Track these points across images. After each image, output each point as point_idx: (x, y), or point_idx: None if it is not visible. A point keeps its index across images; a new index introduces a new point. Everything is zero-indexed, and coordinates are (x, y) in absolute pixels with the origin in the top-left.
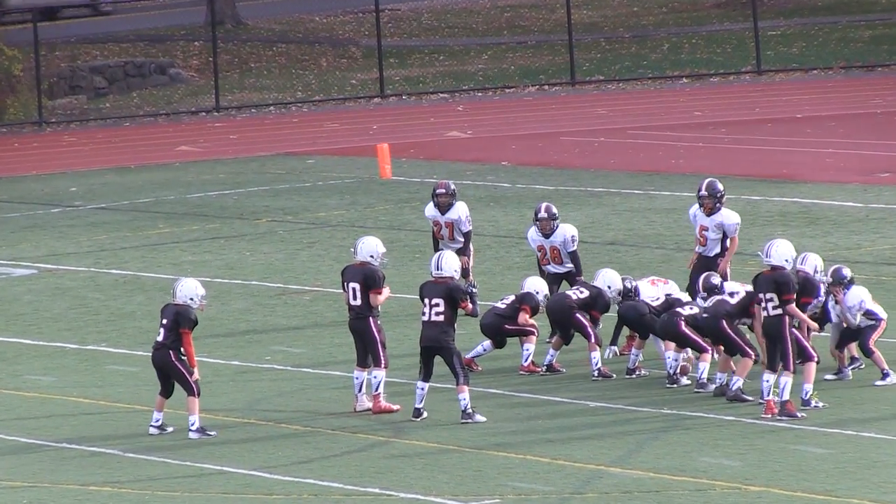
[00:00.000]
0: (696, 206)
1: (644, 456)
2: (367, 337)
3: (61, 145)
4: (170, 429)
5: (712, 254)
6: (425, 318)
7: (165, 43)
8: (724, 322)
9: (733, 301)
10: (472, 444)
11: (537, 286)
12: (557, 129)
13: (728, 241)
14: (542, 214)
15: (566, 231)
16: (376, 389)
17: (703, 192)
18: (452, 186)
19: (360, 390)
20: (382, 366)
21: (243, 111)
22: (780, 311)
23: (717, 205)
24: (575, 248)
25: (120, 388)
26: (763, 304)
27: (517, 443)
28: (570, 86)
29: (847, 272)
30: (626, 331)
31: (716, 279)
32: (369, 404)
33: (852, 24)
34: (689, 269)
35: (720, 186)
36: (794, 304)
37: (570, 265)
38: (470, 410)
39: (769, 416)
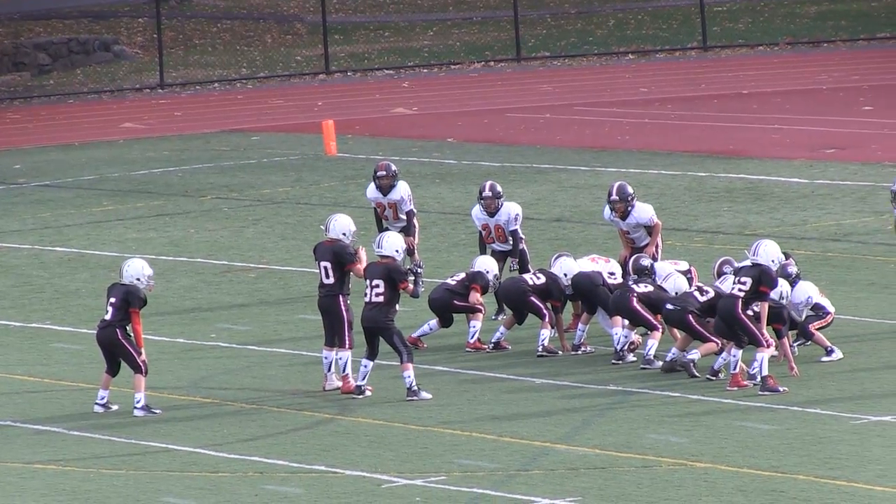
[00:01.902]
0: (609, 208)
1: (590, 433)
2: (335, 316)
3: (4, 122)
4: (114, 406)
5: (643, 245)
6: (366, 298)
7: (109, 20)
8: (691, 316)
9: (702, 298)
10: (417, 422)
11: (488, 265)
12: (503, 105)
13: (652, 228)
14: (487, 193)
15: (510, 209)
16: (344, 370)
17: (615, 197)
18: (393, 168)
19: (329, 370)
20: (347, 346)
21: (188, 88)
22: (741, 294)
23: (630, 207)
24: (517, 226)
25: (64, 365)
26: (733, 284)
27: (463, 420)
28: (515, 62)
29: (793, 269)
30: (570, 308)
31: (645, 261)
32: (339, 384)
33: (798, 0)
34: (622, 262)
35: (630, 189)
36: (767, 301)
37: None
38: (415, 388)
39: (735, 388)
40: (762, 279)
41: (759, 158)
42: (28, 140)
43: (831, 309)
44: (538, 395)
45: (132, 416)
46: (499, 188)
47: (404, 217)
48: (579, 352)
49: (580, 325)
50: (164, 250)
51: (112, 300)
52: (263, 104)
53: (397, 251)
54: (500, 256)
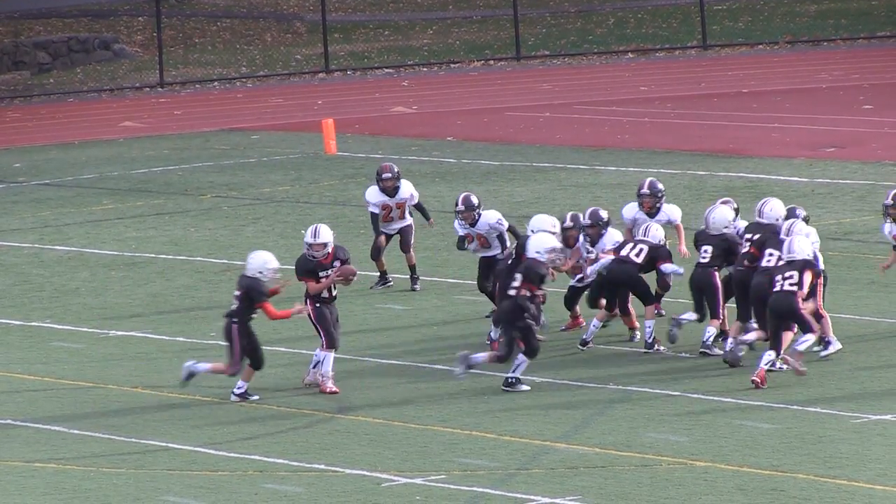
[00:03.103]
0: (635, 204)
1: (590, 431)
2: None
3: (4, 121)
4: (254, 396)
5: None
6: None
7: (109, 18)
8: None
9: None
10: (417, 421)
11: (541, 244)
12: (503, 104)
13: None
14: (460, 207)
15: (489, 218)
16: (323, 370)
17: (646, 191)
18: (396, 169)
19: (314, 366)
20: (326, 347)
21: (187, 87)
22: (796, 289)
23: (659, 204)
24: (504, 228)
25: (64, 364)
26: (782, 279)
27: (463, 419)
28: (515, 61)
29: (801, 212)
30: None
31: (603, 213)
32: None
33: None
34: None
35: (661, 186)
36: (817, 278)
37: (499, 248)
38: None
39: (759, 381)
40: (807, 266)
41: (759, 157)
42: (28, 139)
43: (822, 266)
44: (538, 393)
45: (132, 415)
46: (473, 199)
47: (409, 214)
48: (586, 347)
49: (595, 321)
50: (164, 249)
51: (236, 291)
52: (263, 103)
53: (261, 273)
54: (487, 262)
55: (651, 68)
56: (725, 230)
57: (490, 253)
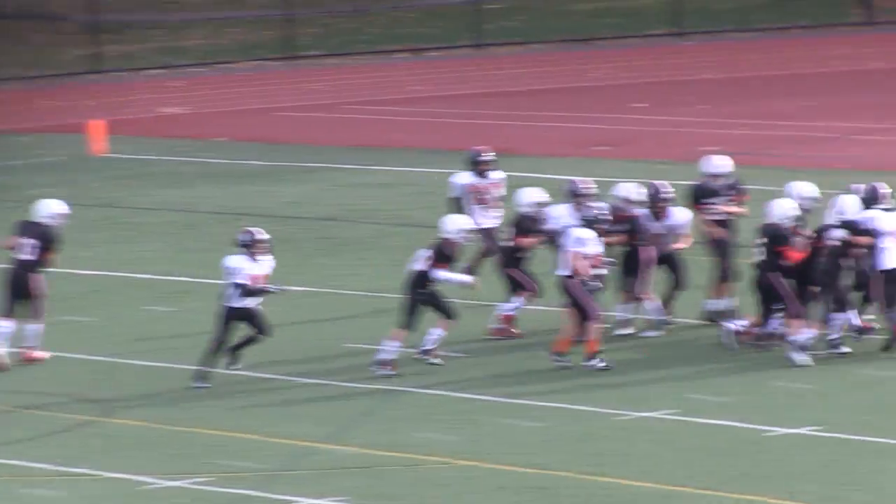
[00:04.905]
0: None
1: (356, 432)
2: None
3: None
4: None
5: None
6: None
7: None
8: None
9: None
10: (180, 423)
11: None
12: (275, 103)
13: None
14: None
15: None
16: (33, 342)
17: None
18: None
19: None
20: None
21: None
22: None
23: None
24: None
25: None
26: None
27: (226, 420)
28: (288, 60)
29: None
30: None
31: None
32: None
33: None
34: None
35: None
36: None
37: None
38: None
39: None
40: None
41: (530, 155)
42: None
43: None
44: (305, 394)
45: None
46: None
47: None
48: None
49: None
50: None
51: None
52: (31, 105)
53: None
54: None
55: (424, 67)
56: None
57: None
